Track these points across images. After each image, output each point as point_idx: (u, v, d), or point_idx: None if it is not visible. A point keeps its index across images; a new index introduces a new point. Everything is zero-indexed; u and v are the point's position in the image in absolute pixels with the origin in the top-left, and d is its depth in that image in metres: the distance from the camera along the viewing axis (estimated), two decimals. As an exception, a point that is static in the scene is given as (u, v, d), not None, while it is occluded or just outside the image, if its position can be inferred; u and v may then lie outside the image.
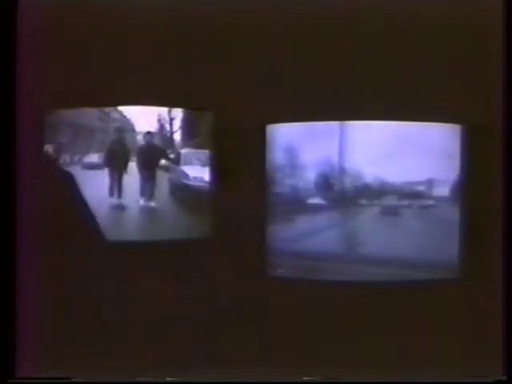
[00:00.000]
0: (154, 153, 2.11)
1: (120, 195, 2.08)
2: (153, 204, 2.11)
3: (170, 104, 2.16)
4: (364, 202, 2.04)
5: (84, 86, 2.23)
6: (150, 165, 2.12)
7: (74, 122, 2.14)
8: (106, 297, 2.27)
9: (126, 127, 2.11)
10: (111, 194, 2.08)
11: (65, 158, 2.14)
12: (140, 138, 2.12)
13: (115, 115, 2.13)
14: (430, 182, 2.05)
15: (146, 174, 2.10)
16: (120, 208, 2.08)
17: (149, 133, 2.12)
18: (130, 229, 2.14)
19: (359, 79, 2.22)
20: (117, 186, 2.06)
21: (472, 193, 2.14)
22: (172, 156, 2.15)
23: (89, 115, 2.13)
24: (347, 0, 2.23)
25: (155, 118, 2.13)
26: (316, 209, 2.09)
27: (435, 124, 2.09)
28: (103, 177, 2.09)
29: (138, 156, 2.09)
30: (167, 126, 2.15)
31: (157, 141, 2.14)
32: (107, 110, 2.14)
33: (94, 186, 2.09)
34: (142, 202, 2.10)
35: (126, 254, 2.23)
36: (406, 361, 2.24)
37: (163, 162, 2.15)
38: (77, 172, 2.11)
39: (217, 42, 2.24)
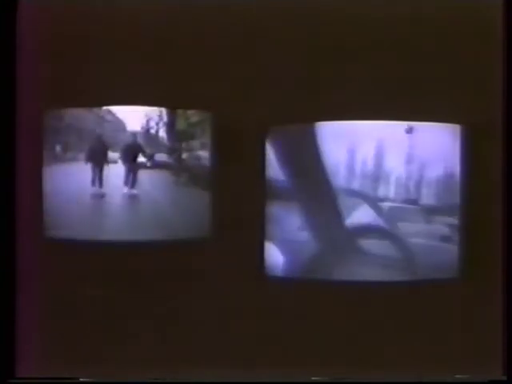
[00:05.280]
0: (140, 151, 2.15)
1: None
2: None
3: (170, 104, 2.16)
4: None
5: (85, 86, 2.23)
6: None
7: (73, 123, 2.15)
8: (105, 297, 2.28)
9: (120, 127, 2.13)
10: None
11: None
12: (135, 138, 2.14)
13: (112, 115, 2.14)
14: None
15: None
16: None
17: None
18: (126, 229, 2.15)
19: (359, 79, 2.22)
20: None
21: (472, 193, 2.14)
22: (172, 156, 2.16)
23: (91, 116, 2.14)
24: (347, 0, 2.23)
25: (153, 118, 2.14)
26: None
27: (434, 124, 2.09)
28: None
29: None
30: (167, 127, 2.15)
31: (155, 140, 2.15)
32: (106, 110, 2.14)
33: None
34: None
35: (122, 253, 2.23)
36: (405, 361, 2.24)
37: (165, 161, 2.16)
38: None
39: (216, 42, 2.25)
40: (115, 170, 2.13)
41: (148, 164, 2.14)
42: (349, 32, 2.23)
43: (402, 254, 2.06)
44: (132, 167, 2.14)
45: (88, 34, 2.24)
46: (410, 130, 1.99)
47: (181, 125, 2.17)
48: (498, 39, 2.21)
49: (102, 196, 2.13)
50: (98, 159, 2.13)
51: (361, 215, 2.05)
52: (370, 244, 2.06)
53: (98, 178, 2.13)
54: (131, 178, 2.14)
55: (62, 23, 2.25)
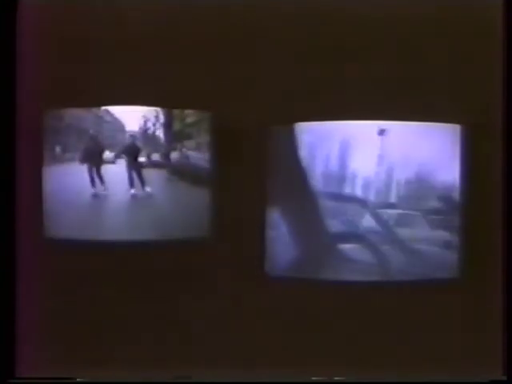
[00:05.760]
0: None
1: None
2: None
3: (170, 104, 2.16)
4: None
5: (85, 86, 2.23)
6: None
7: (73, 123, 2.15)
8: (105, 297, 2.28)
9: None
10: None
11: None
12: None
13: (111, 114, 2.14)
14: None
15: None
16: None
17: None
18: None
19: (359, 79, 2.22)
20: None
21: (472, 193, 2.14)
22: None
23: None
24: (347, 0, 2.23)
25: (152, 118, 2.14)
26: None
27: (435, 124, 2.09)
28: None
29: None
30: (167, 126, 2.15)
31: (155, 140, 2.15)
32: (106, 110, 2.14)
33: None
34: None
35: (122, 254, 2.23)
36: (406, 361, 2.24)
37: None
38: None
39: (216, 42, 2.25)
40: (113, 170, 2.13)
41: (148, 164, 2.14)
42: (349, 32, 2.23)
43: (404, 257, 2.06)
44: (134, 167, 2.13)
45: (88, 34, 2.24)
46: (381, 132, 1.99)
47: (181, 124, 2.17)
48: (498, 39, 2.22)
49: (105, 195, 2.13)
50: (95, 159, 2.12)
51: (358, 219, 2.05)
52: (368, 245, 2.06)
53: (98, 177, 2.13)
54: (137, 178, 2.14)
55: (62, 23, 2.25)
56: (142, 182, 2.14)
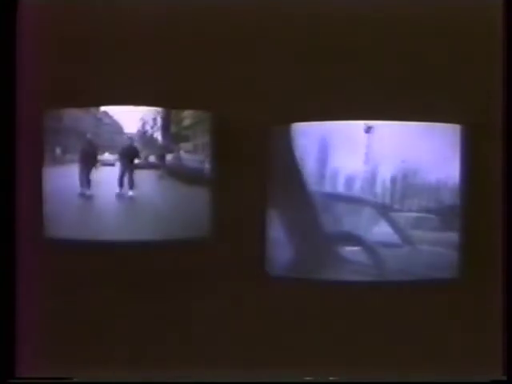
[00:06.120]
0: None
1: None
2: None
3: (169, 104, 2.16)
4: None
5: (85, 86, 2.23)
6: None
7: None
8: (105, 297, 2.28)
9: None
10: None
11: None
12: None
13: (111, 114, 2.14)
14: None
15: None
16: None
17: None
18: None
19: (359, 79, 2.22)
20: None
21: (471, 193, 2.14)
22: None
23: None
24: (347, 0, 2.23)
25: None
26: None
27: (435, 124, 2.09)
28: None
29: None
30: (166, 126, 2.15)
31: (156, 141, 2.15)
32: (105, 110, 2.14)
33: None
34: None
35: (122, 254, 2.23)
36: (405, 361, 2.24)
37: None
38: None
39: (216, 42, 2.25)
40: (114, 172, 2.13)
41: (147, 165, 2.14)
42: (349, 32, 2.23)
43: (404, 257, 2.06)
44: (128, 168, 2.13)
45: (88, 34, 2.24)
46: (368, 130, 1.98)
47: (180, 125, 2.17)
48: (498, 39, 2.22)
49: (88, 197, 2.11)
50: (89, 161, 2.11)
51: (358, 219, 2.05)
52: (368, 246, 2.05)
53: (86, 179, 2.11)
54: (128, 180, 2.13)
55: (62, 23, 2.25)
56: (131, 184, 2.13)
